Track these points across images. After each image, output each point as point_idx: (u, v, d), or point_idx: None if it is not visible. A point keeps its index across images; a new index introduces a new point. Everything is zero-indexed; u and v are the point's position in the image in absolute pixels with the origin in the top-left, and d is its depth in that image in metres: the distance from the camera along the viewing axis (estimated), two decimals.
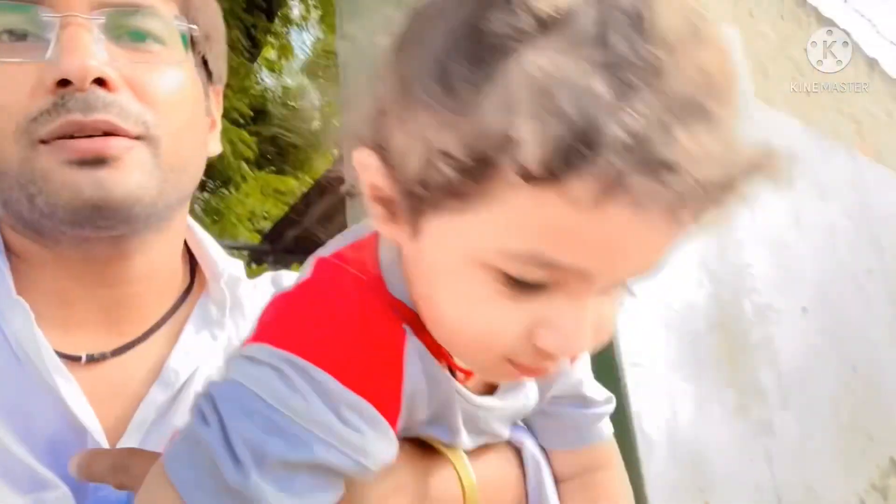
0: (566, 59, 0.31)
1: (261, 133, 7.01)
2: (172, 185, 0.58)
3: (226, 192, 6.47)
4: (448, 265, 0.39)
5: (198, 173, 0.64)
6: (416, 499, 0.47)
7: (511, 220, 0.35)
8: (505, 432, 0.54)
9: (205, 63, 0.65)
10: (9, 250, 0.59)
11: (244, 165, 5.97)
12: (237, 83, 6.28)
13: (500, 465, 0.54)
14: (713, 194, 0.33)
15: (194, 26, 0.61)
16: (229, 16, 6.65)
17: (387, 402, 0.41)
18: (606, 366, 1.35)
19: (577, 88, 0.30)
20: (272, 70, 7.77)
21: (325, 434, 0.37)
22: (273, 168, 7.37)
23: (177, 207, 0.62)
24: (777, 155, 0.35)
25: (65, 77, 0.52)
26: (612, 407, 0.58)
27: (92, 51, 0.53)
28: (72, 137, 0.53)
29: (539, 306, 0.37)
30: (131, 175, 0.55)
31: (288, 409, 0.36)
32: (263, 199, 6.62)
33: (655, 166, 0.31)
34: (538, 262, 0.35)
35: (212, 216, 5.99)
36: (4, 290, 0.55)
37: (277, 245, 4.99)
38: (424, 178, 0.36)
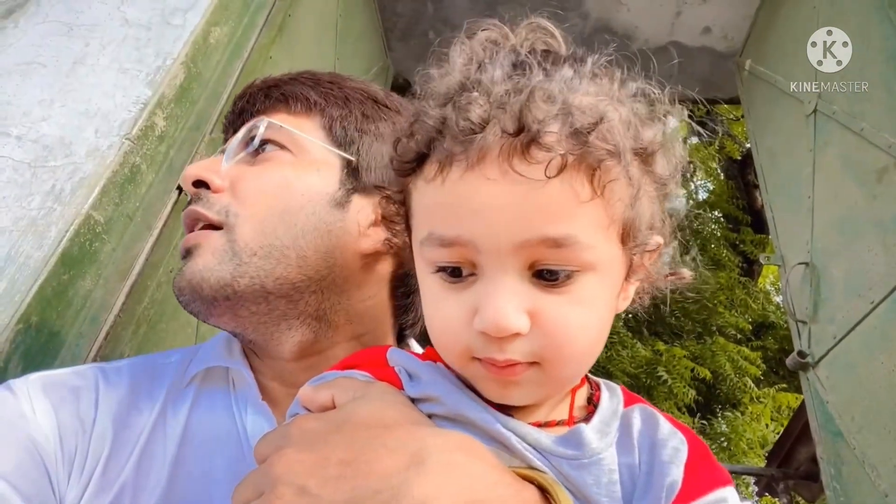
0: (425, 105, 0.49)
1: (766, 347, 6.42)
2: (255, 268, 0.66)
3: (731, 414, 5.91)
4: (419, 275, 0.51)
5: (298, 262, 0.68)
6: None
7: (415, 215, 0.51)
8: None
9: (354, 169, 0.73)
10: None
11: (750, 384, 5.58)
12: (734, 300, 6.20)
13: None
14: (515, 144, 0.42)
15: (308, 137, 0.72)
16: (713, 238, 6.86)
17: None
18: None
19: (424, 119, 0.48)
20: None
21: None
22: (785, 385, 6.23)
23: (288, 292, 0.68)
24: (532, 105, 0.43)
25: (185, 180, 0.70)
26: None
27: (212, 167, 0.70)
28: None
29: (471, 295, 0.46)
30: (203, 258, 0.66)
31: None
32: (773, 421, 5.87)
33: (460, 138, 0.44)
34: (436, 241, 0.46)
35: (719, 441, 5.54)
36: (253, 396, 0.68)
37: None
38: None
